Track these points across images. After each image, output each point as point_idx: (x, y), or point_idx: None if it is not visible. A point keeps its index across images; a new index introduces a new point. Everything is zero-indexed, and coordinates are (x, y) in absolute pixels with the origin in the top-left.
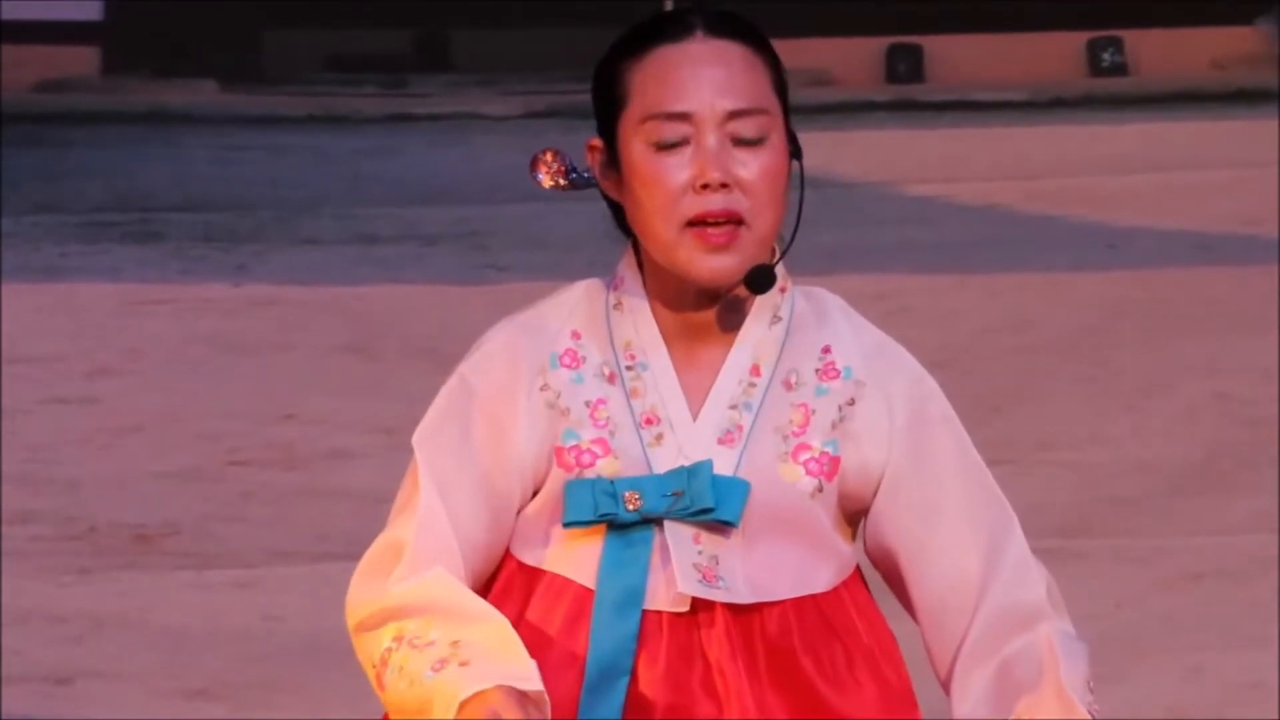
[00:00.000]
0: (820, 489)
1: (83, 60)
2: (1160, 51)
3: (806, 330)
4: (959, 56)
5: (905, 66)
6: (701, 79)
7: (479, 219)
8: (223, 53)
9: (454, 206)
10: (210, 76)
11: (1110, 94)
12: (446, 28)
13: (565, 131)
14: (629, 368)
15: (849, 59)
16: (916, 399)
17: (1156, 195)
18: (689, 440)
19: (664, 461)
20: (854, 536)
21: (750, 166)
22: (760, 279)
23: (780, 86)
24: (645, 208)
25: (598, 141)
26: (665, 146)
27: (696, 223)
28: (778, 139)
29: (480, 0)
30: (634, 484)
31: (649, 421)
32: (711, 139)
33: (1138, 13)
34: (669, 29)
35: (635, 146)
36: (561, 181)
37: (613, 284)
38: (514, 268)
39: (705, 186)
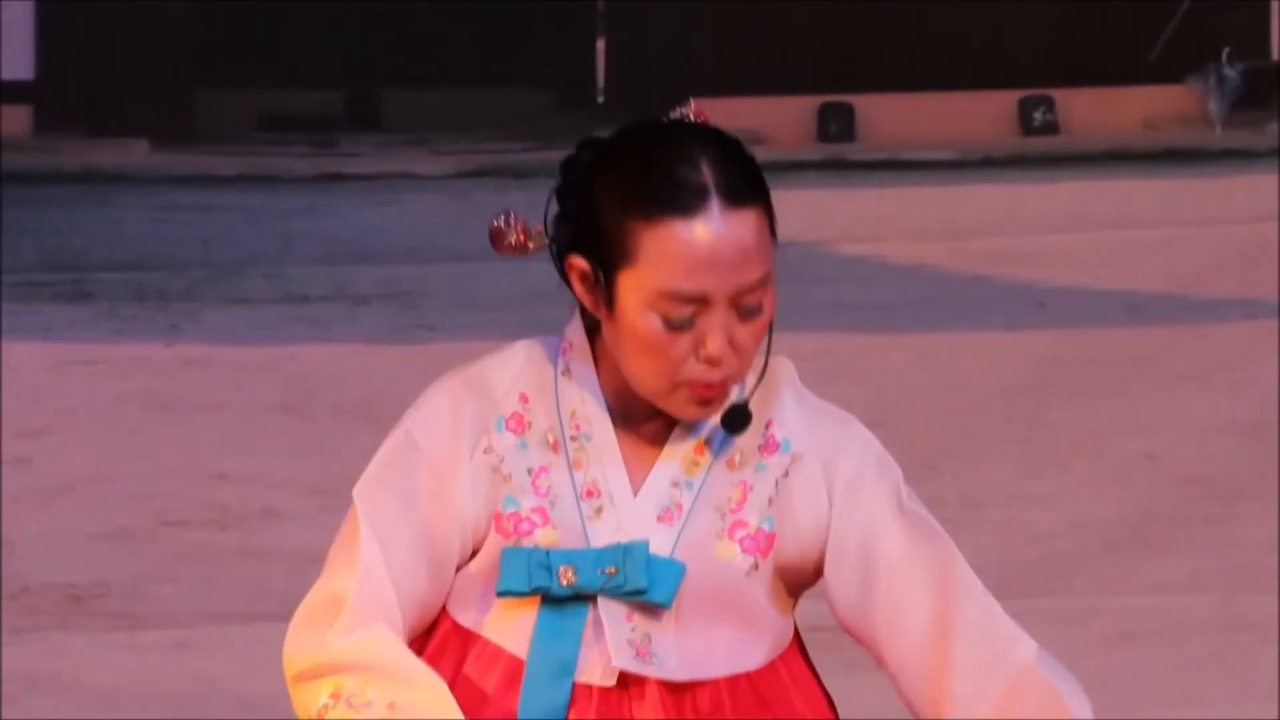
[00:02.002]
0: (756, 566)
1: (14, 120)
2: (1091, 111)
3: (753, 407)
4: (890, 116)
5: (837, 126)
6: (718, 262)
7: (410, 278)
8: (154, 113)
9: (385, 266)
10: (142, 136)
11: (1041, 153)
12: (377, 87)
13: (497, 191)
14: (574, 438)
15: (780, 118)
16: (857, 462)
17: (1087, 255)
18: (628, 516)
19: (602, 535)
20: (793, 607)
21: (748, 331)
22: (738, 422)
23: (774, 229)
24: (641, 363)
25: (584, 265)
26: (675, 324)
27: (690, 384)
28: (772, 290)
29: (411, 60)
30: (569, 558)
31: (590, 494)
32: (720, 315)
33: (1069, 72)
34: (683, 198)
35: (641, 310)
36: (532, 245)
37: (562, 349)
38: (445, 327)
39: (708, 359)
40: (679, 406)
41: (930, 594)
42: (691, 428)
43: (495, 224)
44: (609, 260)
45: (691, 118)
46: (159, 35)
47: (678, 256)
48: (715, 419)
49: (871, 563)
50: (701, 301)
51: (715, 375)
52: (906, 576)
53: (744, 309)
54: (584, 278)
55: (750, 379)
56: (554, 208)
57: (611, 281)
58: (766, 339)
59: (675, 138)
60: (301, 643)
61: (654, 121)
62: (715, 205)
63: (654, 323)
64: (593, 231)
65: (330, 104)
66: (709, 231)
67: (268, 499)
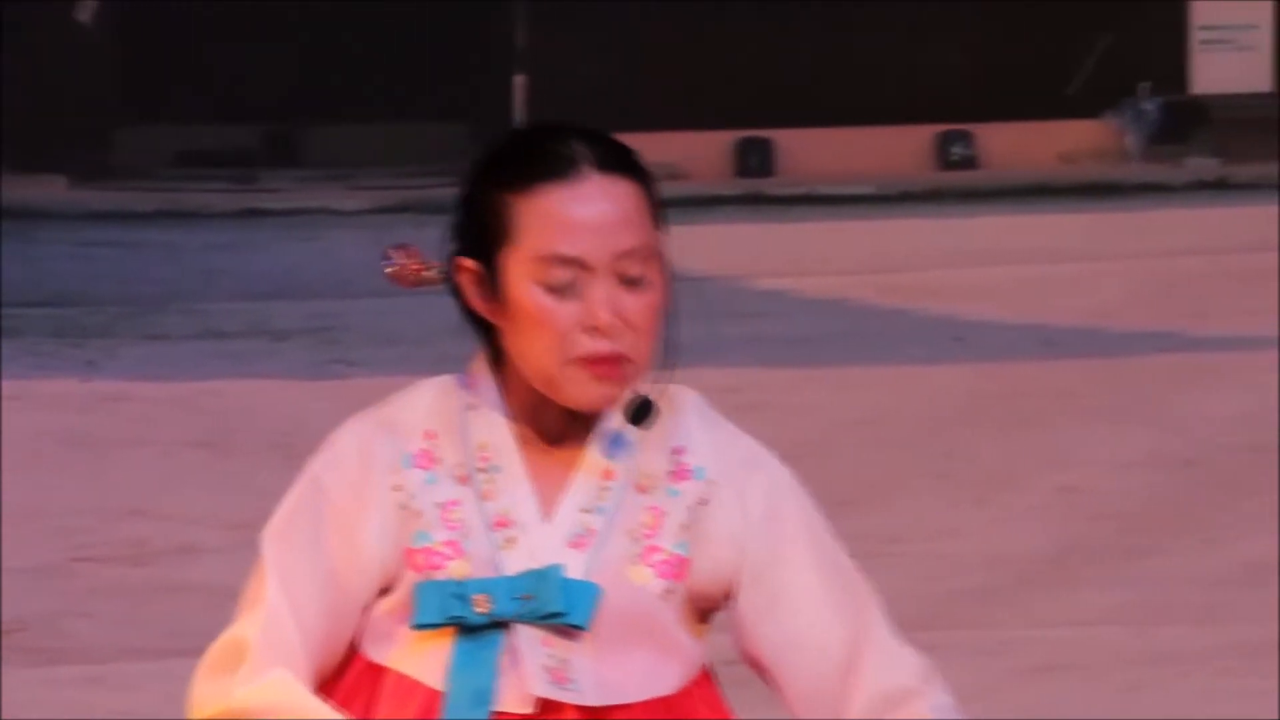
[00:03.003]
0: (670, 590)
1: None
2: (1009, 145)
3: (660, 433)
4: (808, 150)
5: (755, 160)
6: (594, 223)
7: (329, 314)
8: (73, 149)
9: (304, 301)
10: (60, 173)
11: (959, 187)
12: (297, 123)
13: (416, 226)
14: (482, 470)
15: (698, 153)
16: (772, 495)
17: (1005, 289)
18: (540, 543)
19: (515, 564)
20: (705, 634)
21: (636, 305)
22: (643, 414)
23: (658, 216)
24: (532, 342)
25: (470, 264)
26: (556, 289)
27: (583, 360)
28: (659, 272)
29: (330, 96)
30: (484, 586)
31: (501, 524)
32: (602, 281)
33: (987, 106)
34: (556, 165)
35: (523, 283)
36: (426, 275)
37: (467, 383)
38: (364, 363)
39: (595, 328)
40: (577, 388)
41: (839, 640)
42: (600, 451)
43: (389, 252)
44: (492, 247)
45: None
46: (78, 71)
47: (553, 220)
48: (622, 439)
49: (782, 595)
50: (580, 266)
51: (604, 345)
52: (816, 613)
53: (627, 278)
54: (473, 278)
55: (655, 389)
56: (449, 238)
57: (496, 269)
58: (667, 347)
59: (547, 125)
60: (205, 692)
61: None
62: (588, 171)
63: (536, 294)
64: (476, 226)
65: (249, 140)
66: (581, 193)
67: (186, 534)
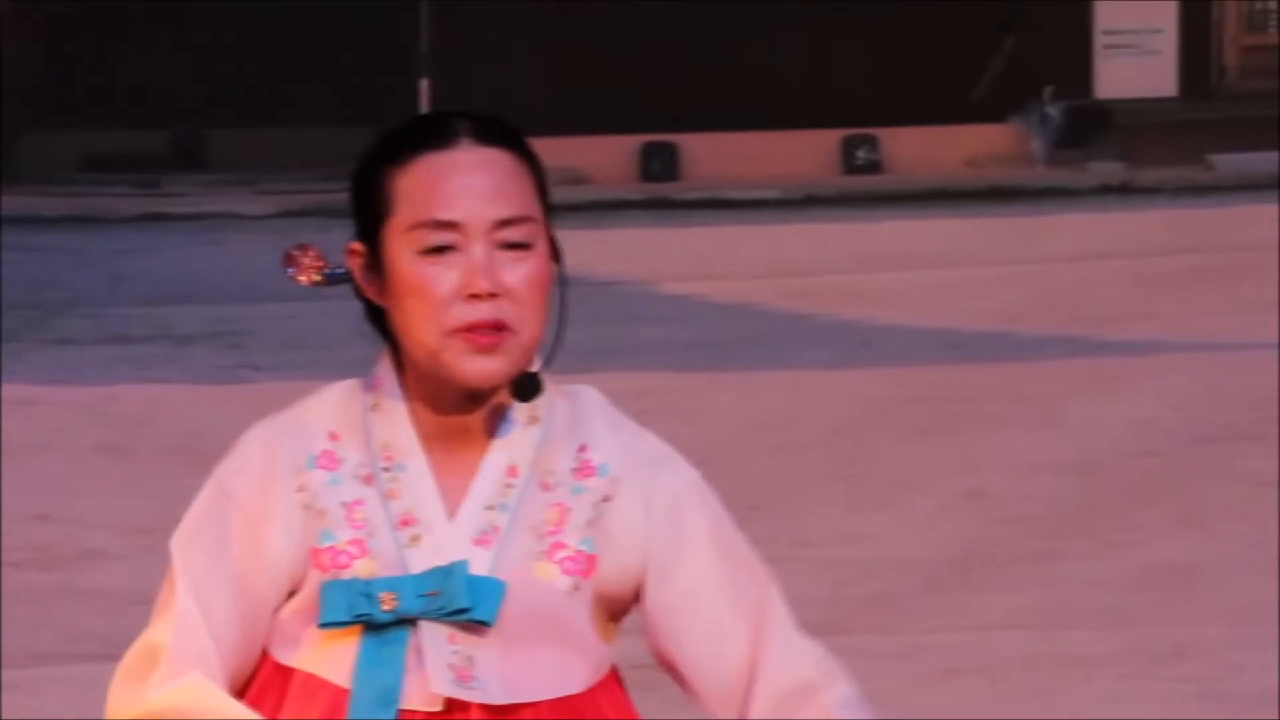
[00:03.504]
0: (576, 587)
1: None
2: (914, 149)
3: (564, 430)
4: (713, 155)
5: (659, 165)
6: (469, 188)
7: (235, 318)
8: None
9: (210, 306)
10: None
11: (864, 192)
12: (202, 128)
13: (321, 230)
14: (386, 469)
15: (603, 157)
16: (676, 492)
17: (911, 293)
18: (445, 541)
19: (420, 562)
20: (613, 634)
21: (517, 274)
22: (528, 387)
23: (543, 192)
24: (412, 315)
25: (359, 246)
26: (432, 252)
27: (464, 329)
28: (542, 246)
29: (235, 101)
30: (390, 584)
31: (405, 523)
32: (479, 248)
33: (892, 111)
34: (433, 136)
35: (402, 254)
36: (316, 277)
37: (370, 385)
38: (270, 367)
39: (474, 296)
40: (459, 360)
41: (743, 632)
42: (503, 449)
43: (290, 251)
44: (374, 223)
45: None
46: None
47: (428, 186)
48: (525, 436)
49: (688, 595)
50: (456, 230)
51: (483, 312)
52: (721, 612)
53: (506, 245)
54: (361, 260)
55: (538, 358)
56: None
57: (378, 244)
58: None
59: (436, 111)
60: (121, 697)
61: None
62: (466, 140)
63: (414, 262)
64: (361, 207)
65: (154, 144)
66: (457, 159)
67: (90, 539)
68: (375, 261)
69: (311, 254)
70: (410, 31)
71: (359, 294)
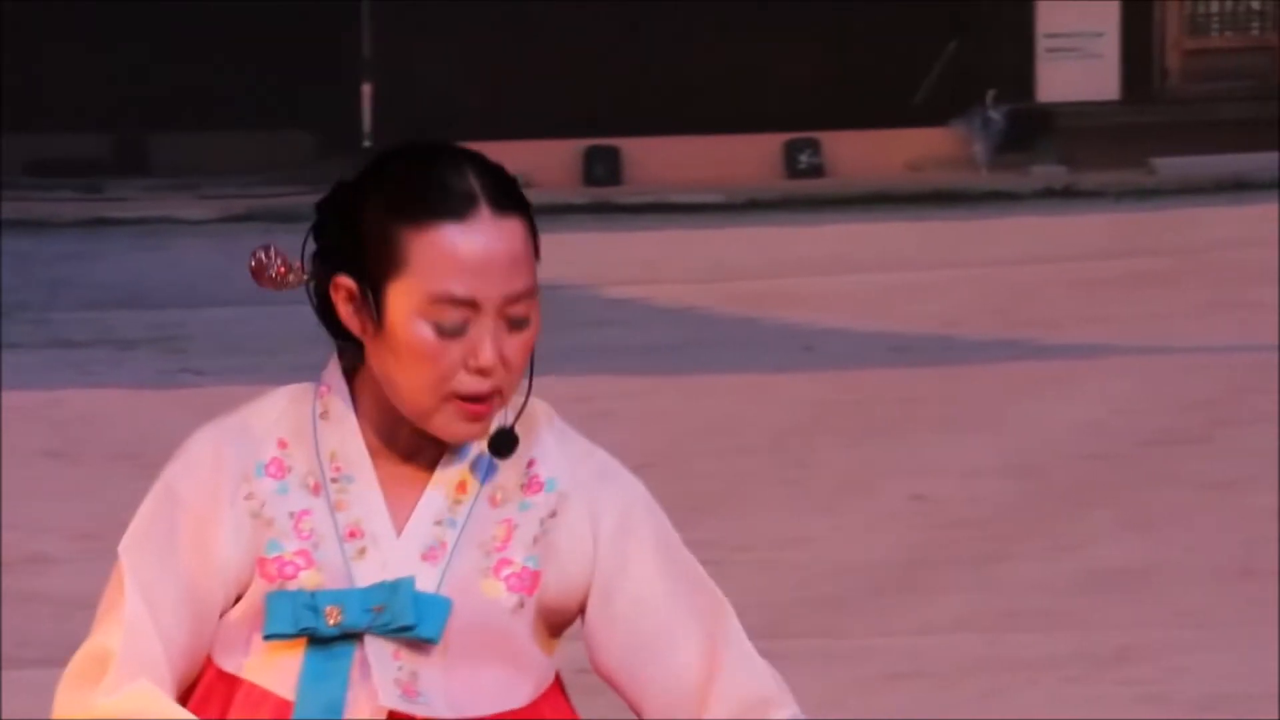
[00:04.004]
0: (521, 604)
1: None
2: (857, 153)
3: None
4: (656, 159)
5: (603, 169)
6: (489, 268)
7: (177, 323)
8: None
9: (152, 310)
10: None
11: (807, 195)
12: (144, 132)
13: (263, 234)
14: (334, 480)
15: (546, 161)
16: (623, 508)
17: (854, 296)
18: (392, 555)
19: (367, 575)
20: (555, 648)
21: (515, 345)
22: (505, 445)
23: (538, 249)
24: (410, 375)
25: (349, 283)
26: (446, 329)
27: (461, 398)
28: (537, 309)
29: (177, 104)
30: (335, 598)
31: (353, 535)
32: (489, 322)
33: (834, 114)
34: (453, 202)
35: (411, 318)
36: (292, 278)
37: (319, 392)
38: (212, 371)
39: (478, 369)
40: (446, 423)
41: (695, 651)
42: (453, 463)
43: (256, 257)
44: (378, 273)
45: None
46: None
47: (450, 260)
48: (475, 451)
49: (636, 613)
50: (472, 307)
51: (485, 386)
52: (672, 630)
53: (512, 319)
54: (351, 297)
55: (510, 412)
56: (311, 246)
57: (381, 295)
58: (529, 367)
59: (439, 151)
60: (68, 702)
61: (415, 141)
62: (485, 211)
63: (426, 331)
64: (359, 248)
65: (96, 148)
66: (480, 236)
67: (35, 544)
68: (370, 303)
69: (275, 255)
70: (352, 35)
71: (318, 303)
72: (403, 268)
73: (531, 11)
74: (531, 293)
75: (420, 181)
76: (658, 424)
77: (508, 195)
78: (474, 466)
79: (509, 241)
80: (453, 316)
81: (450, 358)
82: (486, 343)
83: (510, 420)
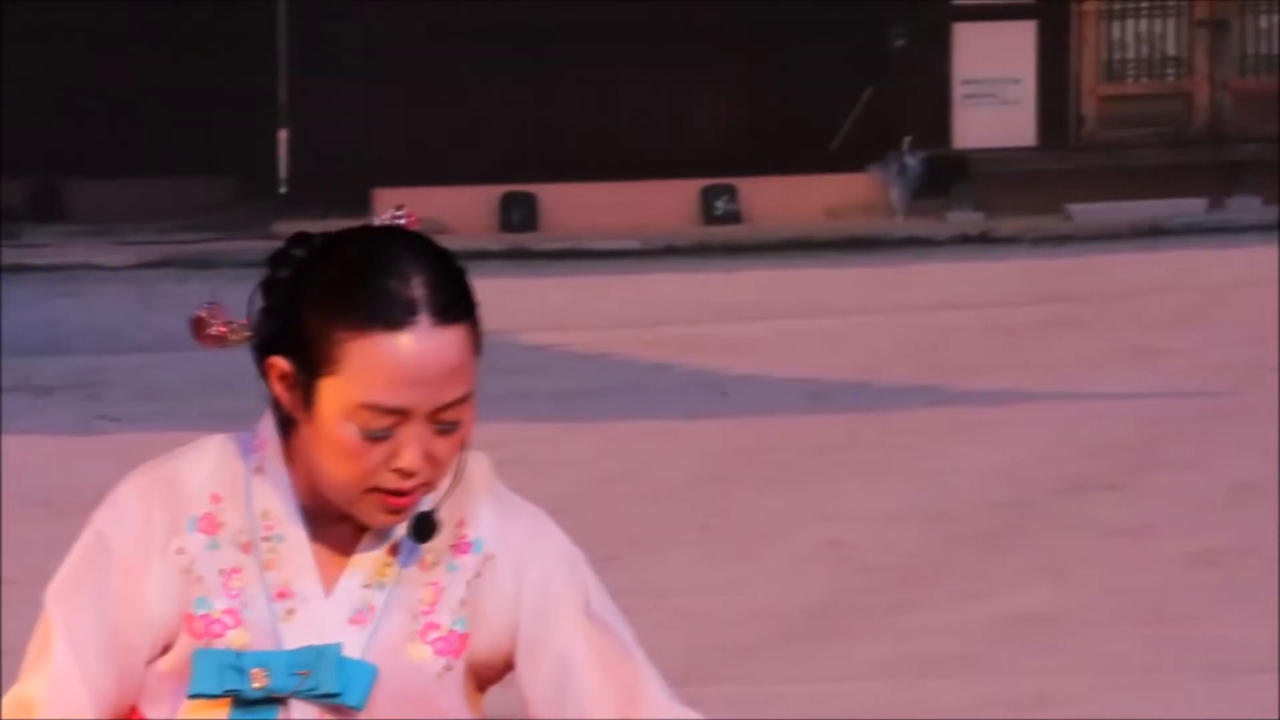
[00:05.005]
0: (449, 668)
1: None
2: (774, 199)
3: (448, 506)
4: (572, 205)
5: (519, 215)
6: (422, 379)
7: (93, 369)
8: None
9: (68, 357)
10: None
11: (724, 241)
12: (60, 179)
13: (179, 282)
14: (265, 538)
15: (463, 207)
16: (549, 567)
17: (770, 343)
18: (321, 617)
19: (295, 637)
20: (481, 704)
21: (444, 445)
22: (424, 532)
23: (479, 344)
24: (333, 467)
25: (285, 366)
26: (372, 435)
27: (383, 492)
28: (472, 407)
29: (94, 151)
30: (262, 660)
31: (282, 595)
32: (418, 429)
33: (751, 161)
34: (391, 312)
35: (339, 420)
36: (232, 338)
37: (253, 445)
38: (128, 417)
39: (402, 471)
40: (367, 512)
41: (611, 703)
42: (384, 529)
43: (199, 313)
44: (311, 366)
45: (402, 221)
46: None
47: (381, 371)
48: (406, 520)
49: (561, 670)
50: (401, 415)
51: (407, 485)
52: (592, 688)
53: (442, 425)
54: (284, 378)
55: (441, 486)
56: (259, 299)
57: (312, 386)
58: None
59: (386, 249)
60: None
61: (367, 229)
62: (423, 321)
63: (351, 432)
64: (297, 335)
65: (12, 195)
66: (414, 348)
67: None
68: (303, 389)
69: (217, 314)
70: (268, 82)
71: (256, 356)
72: (335, 368)
73: (448, 59)
74: (465, 399)
75: (360, 285)
76: (572, 470)
77: (452, 303)
78: (406, 529)
79: (446, 352)
80: (380, 423)
81: (373, 458)
82: (412, 448)
83: (438, 499)
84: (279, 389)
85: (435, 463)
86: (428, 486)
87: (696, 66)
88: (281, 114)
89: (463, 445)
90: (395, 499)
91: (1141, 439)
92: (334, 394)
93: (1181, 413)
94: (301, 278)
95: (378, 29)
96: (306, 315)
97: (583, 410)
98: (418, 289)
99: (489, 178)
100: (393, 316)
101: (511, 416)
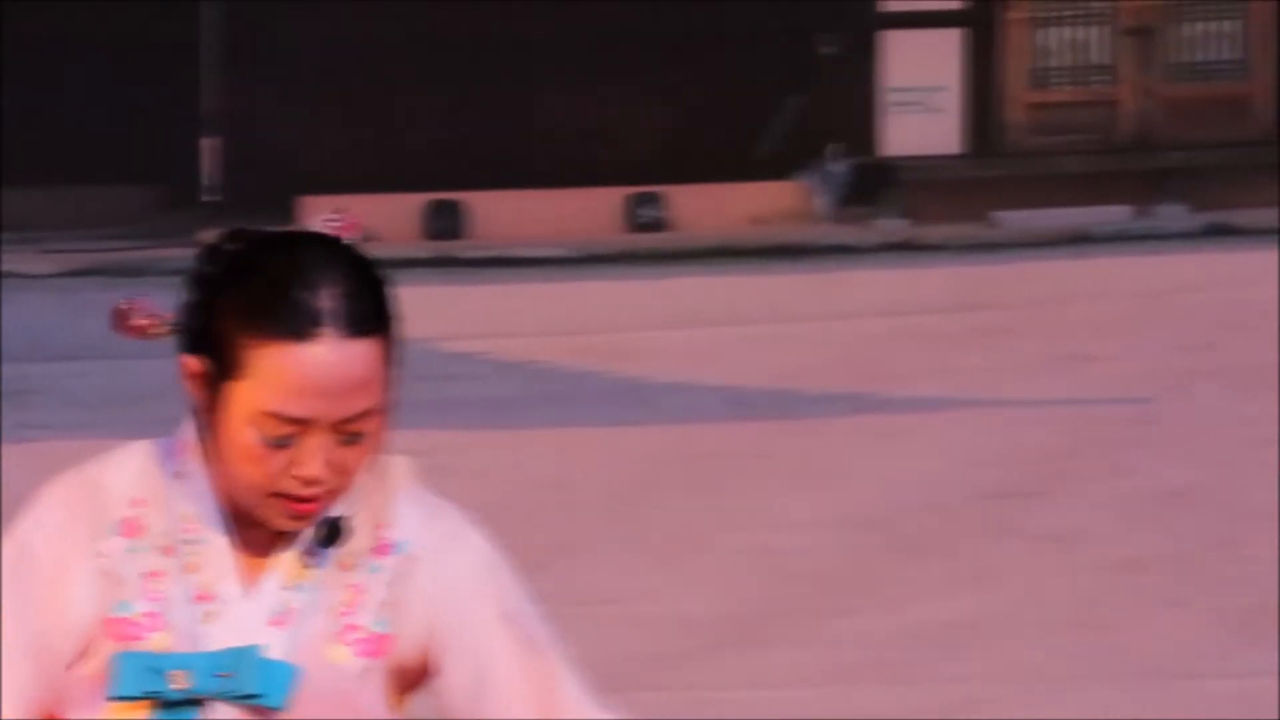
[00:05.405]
0: (369, 669)
1: None
2: (699, 207)
3: (367, 508)
4: (498, 212)
5: (445, 223)
6: (325, 391)
7: (18, 377)
8: None
9: None
10: None
11: (649, 249)
12: None
13: (105, 289)
14: (186, 541)
15: (388, 215)
16: (467, 570)
17: (694, 350)
18: (241, 619)
19: (216, 639)
20: (405, 706)
21: (349, 455)
22: (331, 538)
23: (393, 353)
24: (238, 469)
25: (196, 365)
26: (273, 443)
27: (286, 498)
28: (379, 418)
29: (18, 159)
30: (182, 662)
31: (202, 598)
32: (321, 439)
33: (677, 168)
34: (296, 323)
35: (242, 424)
36: (152, 331)
37: (174, 449)
38: (55, 425)
39: (302, 480)
40: (272, 516)
41: (532, 707)
42: (304, 530)
43: (120, 305)
44: (220, 368)
45: (338, 225)
46: None
47: (283, 380)
48: (323, 517)
49: (479, 672)
50: (304, 424)
51: (308, 492)
52: (510, 690)
53: (347, 436)
54: (195, 377)
55: (355, 491)
56: (185, 293)
57: (220, 389)
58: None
59: (305, 258)
60: None
61: (294, 235)
62: (329, 333)
63: (254, 437)
64: (209, 336)
65: None
66: (319, 360)
67: None
68: (211, 388)
69: (139, 309)
70: (192, 90)
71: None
72: (242, 373)
73: (375, 67)
74: (373, 411)
75: (270, 294)
76: (494, 477)
77: (363, 316)
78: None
79: (352, 365)
80: (282, 430)
81: (275, 465)
82: (316, 457)
83: (350, 505)
84: (191, 387)
85: (340, 471)
86: (333, 494)
87: (623, 73)
88: (206, 122)
89: (371, 454)
90: (298, 505)
91: (1068, 446)
92: (240, 398)
93: (1108, 420)
94: (224, 277)
95: (305, 38)
96: (219, 319)
97: (508, 418)
98: (327, 300)
99: (415, 185)
100: (299, 327)
101: (437, 424)
